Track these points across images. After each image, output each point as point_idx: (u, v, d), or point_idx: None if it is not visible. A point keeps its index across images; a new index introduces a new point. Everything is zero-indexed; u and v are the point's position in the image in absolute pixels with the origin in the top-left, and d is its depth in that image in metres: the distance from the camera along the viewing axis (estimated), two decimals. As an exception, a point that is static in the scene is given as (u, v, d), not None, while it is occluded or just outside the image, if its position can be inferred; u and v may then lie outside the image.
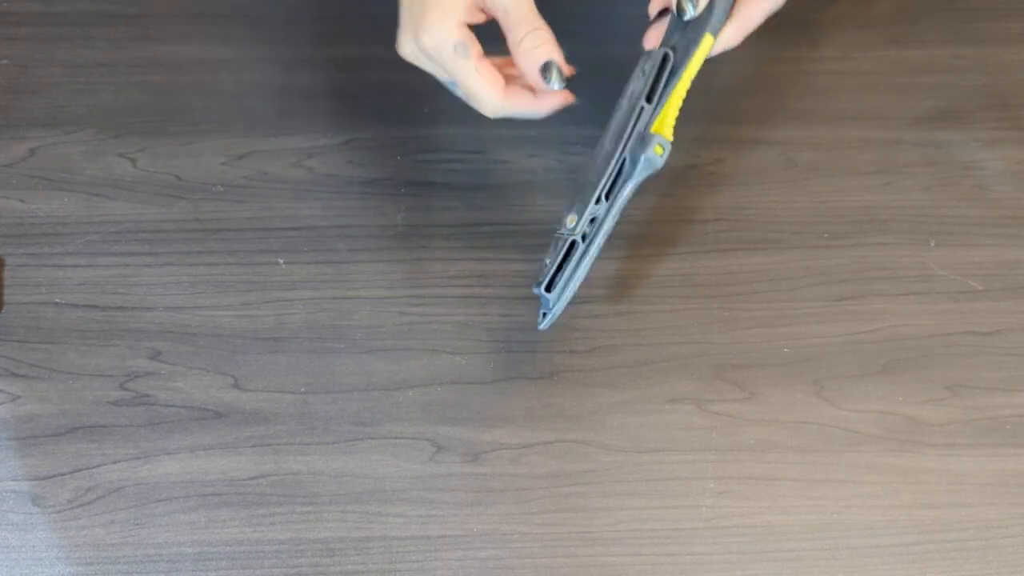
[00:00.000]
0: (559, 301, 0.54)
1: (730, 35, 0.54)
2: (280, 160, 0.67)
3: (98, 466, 0.55)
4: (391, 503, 0.54)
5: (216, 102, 0.70)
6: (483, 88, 0.53)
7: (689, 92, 0.71)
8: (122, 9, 0.75)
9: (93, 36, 0.73)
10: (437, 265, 0.63)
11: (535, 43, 0.52)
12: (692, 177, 0.66)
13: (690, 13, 0.52)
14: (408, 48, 0.54)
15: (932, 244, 0.64)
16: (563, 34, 0.75)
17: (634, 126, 0.52)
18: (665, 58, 0.53)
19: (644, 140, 0.51)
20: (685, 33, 0.53)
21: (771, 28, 0.75)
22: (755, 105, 0.71)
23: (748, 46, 0.74)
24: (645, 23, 0.73)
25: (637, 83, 0.53)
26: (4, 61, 0.72)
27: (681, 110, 0.71)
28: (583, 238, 0.53)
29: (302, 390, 0.58)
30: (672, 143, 0.52)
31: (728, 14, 0.53)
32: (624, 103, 0.54)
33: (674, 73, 0.53)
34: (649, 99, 0.52)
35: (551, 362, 0.59)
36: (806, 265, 0.63)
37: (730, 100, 0.71)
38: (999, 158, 0.69)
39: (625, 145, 0.52)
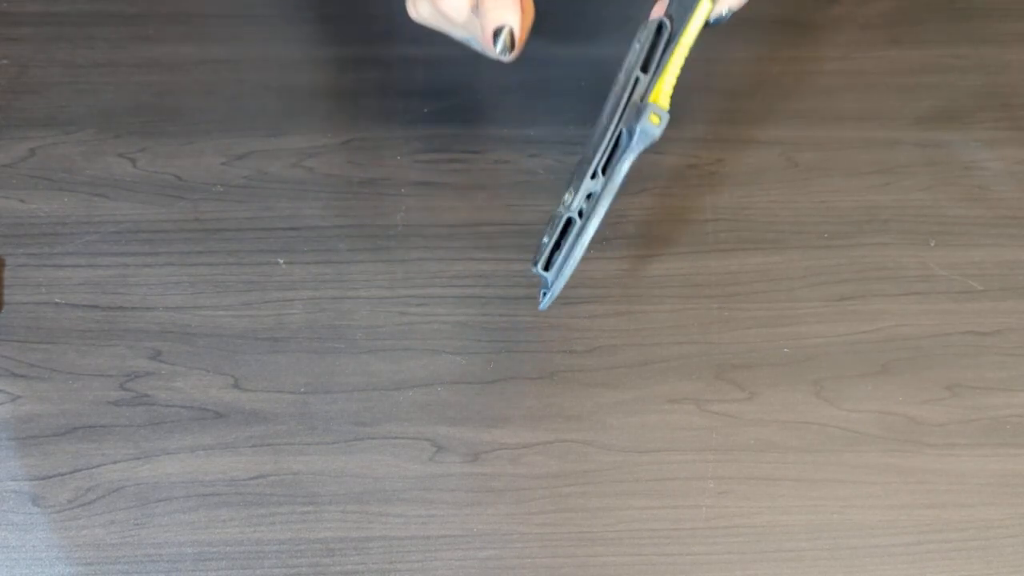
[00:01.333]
0: (558, 279, 0.52)
1: None
2: (280, 160, 0.67)
3: (98, 466, 0.55)
4: (391, 503, 0.54)
5: (216, 102, 0.70)
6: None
7: (689, 94, 0.71)
8: (122, 9, 0.75)
9: (93, 36, 0.73)
10: (437, 265, 0.63)
11: (495, 4, 0.50)
12: (692, 177, 0.66)
13: None
14: (424, 11, 0.53)
15: (932, 244, 0.64)
16: (564, 33, 0.75)
17: (630, 97, 0.50)
18: (661, 26, 0.50)
19: (640, 110, 0.49)
20: (683, 0, 0.51)
21: (771, 28, 0.75)
22: (755, 105, 0.71)
23: (748, 46, 0.74)
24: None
25: (633, 55, 0.51)
26: (4, 61, 0.72)
27: (682, 111, 0.71)
28: (580, 214, 0.51)
29: (302, 390, 0.58)
30: (669, 113, 0.49)
31: None
32: (621, 76, 0.51)
33: (671, 41, 0.50)
34: (645, 69, 0.50)
35: (551, 362, 0.59)
36: (806, 265, 0.63)
37: (730, 100, 0.71)
38: (999, 158, 0.69)
39: (621, 117, 0.50)
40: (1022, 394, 0.59)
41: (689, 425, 0.57)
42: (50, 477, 0.54)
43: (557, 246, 0.52)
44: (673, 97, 0.70)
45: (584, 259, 0.62)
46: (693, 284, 0.62)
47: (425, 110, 0.70)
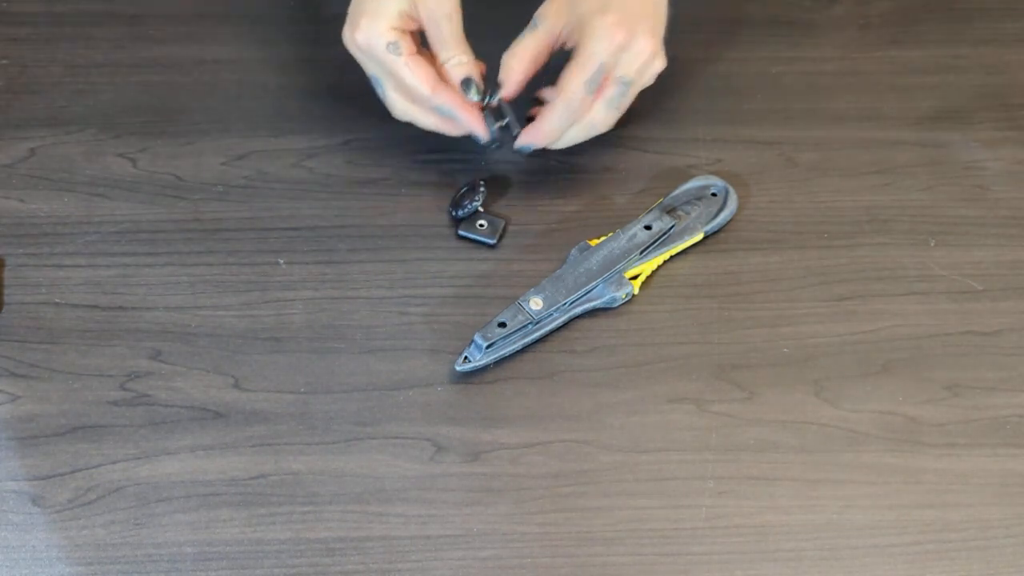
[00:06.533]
0: (488, 359, 0.58)
1: None
2: (280, 160, 0.67)
3: (98, 466, 0.55)
4: (391, 503, 0.54)
5: (216, 102, 0.70)
6: (414, 78, 0.60)
7: (689, 94, 0.71)
8: (122, 9, 0.75)
9: (93, 36, 0.73)
10: (437, 265, 0.63)
11: (457, 63, 0.61)
12: (692, 177, 0.66)
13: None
14: (346, 40, 0.62)
15: (932, 244, 0.64)
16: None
17: (623, 266, 0.61)
18: (672, 228, 0.62)
19: (620, 283, 0.60)
20: (692, 218, 0.64)
21: (771, 28, 0.75)
22: (755, 105, 0.71)
23: (748, 46, 0.74)
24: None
25: (643, 234, 0.62)
26: (4, 61, 0.72)
27: (682, 111, 0.71)
28: (536, 322, 0.59)
29: (302, 390, 0.58)
30: (634, 295, 0.61)
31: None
32: (624, 239, 0.62)
33: (668, 241, 0.62)
34: (643, 252, 0.61)
35: (551, 362, 0.59)
36: (806, 265, 0.63)
37: (730, 100, 0.71)
38: (999, 158, 0.69)
39: (608, 278, 0.60)
40: (1022, 394, 0.59)
41: (689, 425, 0.57)
42: (50, 477, 0.54)
43: (506, 336, 0.58)
44: (673, 97, 0.70)
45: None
46: (693, 284, 0.62)
47: (425, 110, 0.70)
